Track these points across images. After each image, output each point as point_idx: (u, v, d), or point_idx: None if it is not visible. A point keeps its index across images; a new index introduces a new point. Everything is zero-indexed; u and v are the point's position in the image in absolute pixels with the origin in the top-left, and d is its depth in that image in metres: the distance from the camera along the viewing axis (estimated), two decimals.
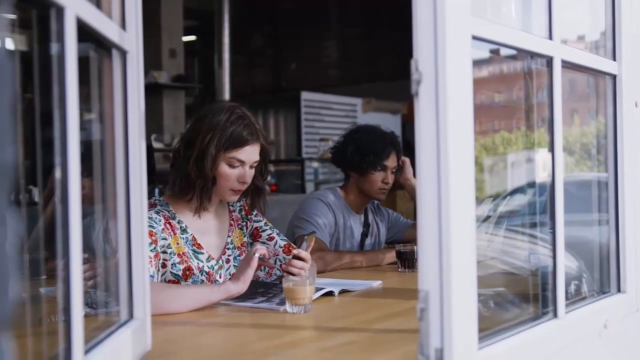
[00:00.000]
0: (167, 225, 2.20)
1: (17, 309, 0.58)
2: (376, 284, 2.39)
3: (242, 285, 1.99)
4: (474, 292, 1.25)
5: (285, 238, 2.46)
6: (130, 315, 1.39)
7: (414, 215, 5.95)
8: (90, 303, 1.43)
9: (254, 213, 2.47)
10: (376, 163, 3.03)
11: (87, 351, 1.11)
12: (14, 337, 0.60)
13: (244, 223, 2.45)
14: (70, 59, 1.02)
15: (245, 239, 2.43)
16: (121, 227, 1.39)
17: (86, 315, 1.11)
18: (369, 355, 1.51)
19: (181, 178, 2.23)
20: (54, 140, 1.05)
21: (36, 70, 1.07)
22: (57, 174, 1.04)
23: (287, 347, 1.60)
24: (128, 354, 1.32)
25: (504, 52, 1.59)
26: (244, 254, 2.36)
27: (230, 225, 2.40)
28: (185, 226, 2.26)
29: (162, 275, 2.17)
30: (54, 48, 1.03)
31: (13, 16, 0.92)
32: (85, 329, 1.07)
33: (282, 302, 1.94)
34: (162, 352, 1.50)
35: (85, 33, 1.12)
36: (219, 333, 1.77)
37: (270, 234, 2.43)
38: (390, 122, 7.40)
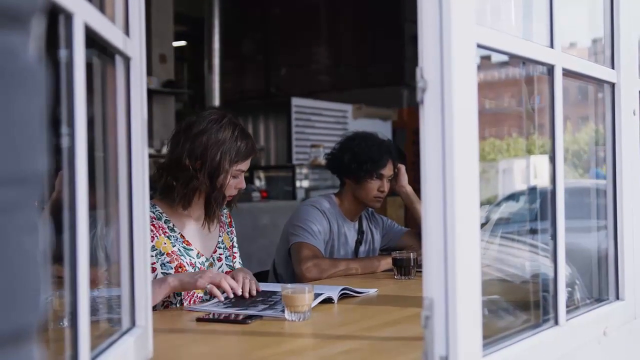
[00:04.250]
0: (151, 226, 2.22)
1: (45, 316, 0.58)
2: (372, 291, 2.38)
3: (177, 282, 2.09)
4: (479, 299, 1.25)
5: (231, 265, 2.50)
6: (133, 323, 1.38)
7: (404, 222, 5.96)
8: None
9: (232, 228, 2.57)
10: (373, 172, 3.03)
11: (92, 359, 1.11)
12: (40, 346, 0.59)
13: (230, 229, 2.56)
14: (79, 65, 1.02)
15: (230, 244, 2.53)
16: (123, 234, 1.38)
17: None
18: None
19: (190, 191, 2.30)
20: (55, 145, 1.04)
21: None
22: (64, 179, 1.03)
23: (288, 355, 1.60)
24: None
25: (494, 58, 1.60)
26: (231, 256, 2.51)
27: (221, 227, 2.50)
28: (173, 225, 2.33)
29: (152, 280, 2.19)
30: (62, 54, 1.03)
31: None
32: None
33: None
34: (163, 359, 1.49)
35: (90, 39, 1.12)
36: (220, 341, 1.76)
37: (222, 254, 2.48)
38: (380, 129, 7.39)
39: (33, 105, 0.56)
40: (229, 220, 2.58)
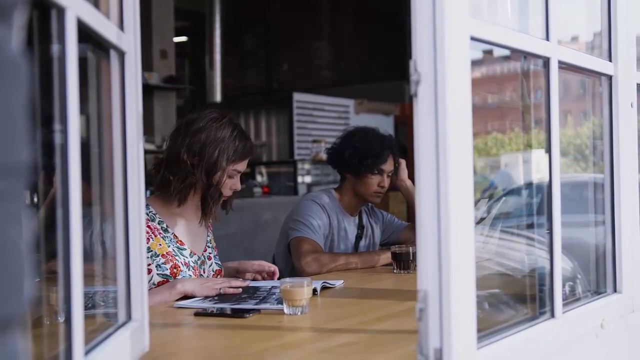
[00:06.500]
0: (146, 227, 2.24)
1: (31, 307, 0.58)
2: (339, 283, 2.41)
3: (189, 286, 2.16)
4: (473, 291, 1.25)
5: (219, 263, 2.55)
6: (129, 317, 1.39)
7: (407, 217, 5.97)
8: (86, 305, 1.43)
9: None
10: (373, 167, 3.02)
11: (86, 352, 1.11)
12: (24, 337, 0.59)
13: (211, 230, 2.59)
14: (71, 60, 1.02)
15: (214, 244, 2.57)
16: (119, 228, 1.39)
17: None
18: (368, 355, 1.51)
19: (187, 187, 2.32)
20: (49, 141, 1.04)
21: (35, 71, 1.07)
22: (57, 175, 1.03)
23: (286, 348, 1.60)
24: (127, 355, 1.31)
25: (497, 53, 1.60)
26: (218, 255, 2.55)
27: (209, 227, 2.54)
28: (167, 226, 2.35)
29: (149, 282, 2.21)
30: (54, 49, 1.03)
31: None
32: (84, 331, 1.06)
33: (280, 302, 1.94)
34: (160, 353, 1.50)
35: (84, 34, 1.12)
36: (217, 335, 1.77)
37: (210, 253, 2.52)
38: (382, 124, 7.40)
39: (17, 97, 0.56)
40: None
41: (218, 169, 2.32)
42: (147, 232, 2.26)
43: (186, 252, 2.36)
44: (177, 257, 2.31)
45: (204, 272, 2.43)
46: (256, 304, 2.01)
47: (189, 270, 2.33)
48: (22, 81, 0.57)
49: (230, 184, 2.38)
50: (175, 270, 2.28)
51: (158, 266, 2.27)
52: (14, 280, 0.56)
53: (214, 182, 2.32)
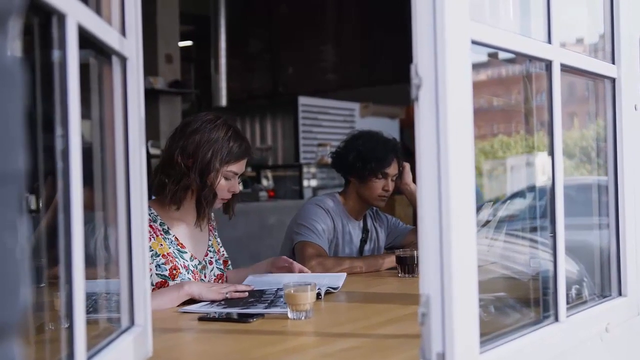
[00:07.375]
0: (148, 227, 2.25)
1: (27, 314, 0.58)
2: (342, 279, 2.42)
3: (196, 289, 2.14)
4: (475, 295, 1.25)
5: (221, 268, 2.54)
6: (132, 322, 1.39)
7: (412, 220, 5.96)
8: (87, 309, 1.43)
9: (216, 232, 2.59)
10: (377, 170, 3.02)
11: (89, 358, 1.11)
12: (21, 343, 0.60)
13: (216, 233, 2.58)
14: (72, 66, 1.03)
15: (218, 247, 2.57)
16: (122, 234, 1.39)
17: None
18: None
19: (181, 189, 2.32)
20: (53, 147, 1.04)
21: (37, 77, 1.07)
22: (59, 180, 1.04)
23: (289, 352, 1.60)
24: None
25: (502, 55, 1.59)
26: (221, 260, 2.54)
27: (210, 231, 2.53)
28: (168, 228, 2.36)
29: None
30: (55, 55, 1.03)
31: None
32: (87, 336, 1.07)
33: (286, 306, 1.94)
34: (163, 359, 1.50)
35: (85, 40, 1.12)
36: (221, 339, 1.76)
37: (212, 258, 2.52)
38: (388, 127, 7.39)
39: (12, 104, 0.56)
40: (214, 224, 2.62)
41: (211, 170, 2.31)
42: (149, 232, 2.26)
43: (187, 256, 2.36)
44: (177, 259, 2.31)
45: (205, 277, 2.42)
46: (265, 307, 2.01)
47: (188, 273, 2.33)
48: (18, 88, 0.57)
49: (228, 186, 2.37)
50: (174, 272, 2.29)
51: (158, 266, 2.27)
52: (9, 288, 0.56)
53: (208, 183, 2.32)
